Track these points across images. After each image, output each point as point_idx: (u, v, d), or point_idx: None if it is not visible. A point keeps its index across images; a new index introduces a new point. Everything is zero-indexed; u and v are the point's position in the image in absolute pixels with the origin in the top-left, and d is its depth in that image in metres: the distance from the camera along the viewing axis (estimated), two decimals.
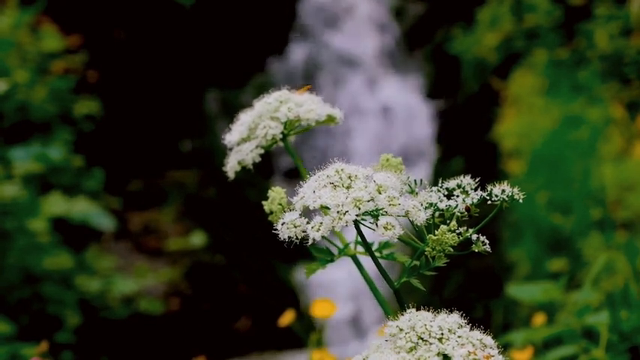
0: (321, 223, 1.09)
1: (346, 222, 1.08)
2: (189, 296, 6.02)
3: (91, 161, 6.02)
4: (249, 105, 1.45)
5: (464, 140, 7.19)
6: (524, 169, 5.80)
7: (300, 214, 1.12)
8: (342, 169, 1.13)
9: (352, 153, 7.48)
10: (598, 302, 2.36)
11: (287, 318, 2.33)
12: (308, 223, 1.11)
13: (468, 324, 1.12)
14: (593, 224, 4.91)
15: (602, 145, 5.47)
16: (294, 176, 7.20)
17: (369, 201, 1.09)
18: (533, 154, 5.79)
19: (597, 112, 5.76)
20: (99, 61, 7.03)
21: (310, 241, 1.10)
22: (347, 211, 1.09)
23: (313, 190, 1.12)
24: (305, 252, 1.27)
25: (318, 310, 2.28)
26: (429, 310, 1.12)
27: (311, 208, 1.10)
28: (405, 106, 7.81)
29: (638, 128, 5.55)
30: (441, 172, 6.42)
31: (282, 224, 1.12)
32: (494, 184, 1.19)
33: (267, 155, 1.44)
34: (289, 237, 1.11)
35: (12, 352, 3.34)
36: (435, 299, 5.87)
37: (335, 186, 1.12)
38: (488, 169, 6.28)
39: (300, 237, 1.11)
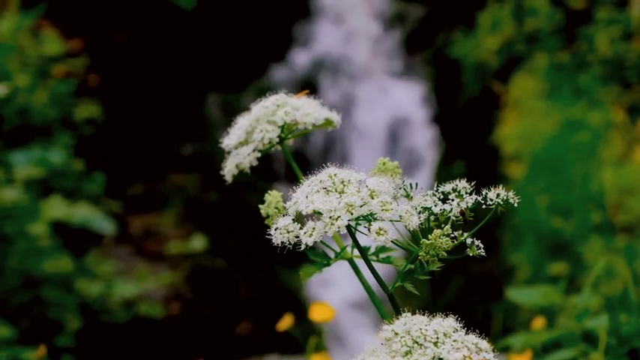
0: (314, 228, 1.10)
1: (339, 227, 1.08)
2: (189, 300, 6.02)
3: (92, 165, 6.03)
4: (249, 109, 1.45)
5: (465, 144, 7.19)
6: (525, 172, 5.80)
7: (293, 219, 1.12)
8: (335, 174, 1.13)
9: (352, 156, 7.48)
10: (598, 306, 2.36)
11: (285, 322, 2.33)
12: (301, 228, 1.11)
13: (465, 328, 1.12)
14: (593, 228, 4.92)
15: (602, 149, 5.48)
16: (296, 180, 7.19)
17: (361, 206, 1.09)
18: (534, 158, 5.79)
19: (598, 116, 5.76)
20: (100, 65, 7.03)
21: (303, 247, 1.10)
22: (339, 217, 1.09)
23: (306, 195, 1.12)
24: (306, 255, 1.28)
25: (317, 313, 2.27)
26: (425, 314, 1.12)
27: (304, 213, 1.11)
28: (406, 110, 7.81)
29: (639, 132, 5.55)
30: (442, 176, 6.42)
31: (276, 229, 1.12)
32: (490, 188, 1.19)
33: (269, 158, 1.45)
34: (282, 242, 1.11)
35: (12, 356, 3.35)
36: (435, 303, 5.87)
37: (328, 191, 1.12)
38: (489, 173, 6.28)
39: (293, 242, 1.11)
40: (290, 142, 1.46)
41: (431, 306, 5.70)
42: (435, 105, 7.82)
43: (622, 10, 6.43)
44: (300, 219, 1.12)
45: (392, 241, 1.10)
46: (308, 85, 7.58)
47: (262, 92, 1.54)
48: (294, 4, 8.36)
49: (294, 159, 1.43)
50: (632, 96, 5.98)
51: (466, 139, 7.22)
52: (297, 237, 1.11)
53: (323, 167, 1.16)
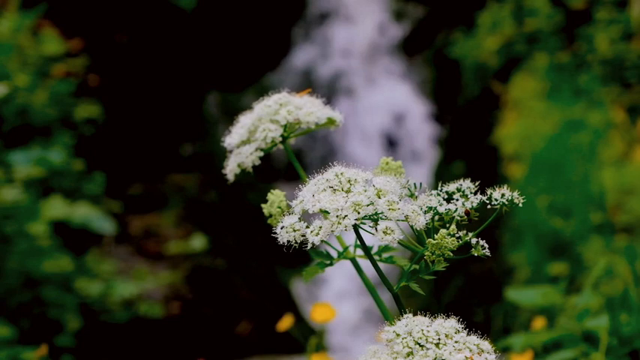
0: (320, 227, 1.09)
1: (345, 226, 1.08)
2: (189, 300, 6.02)
3: (92, 165, 6.02)
4: (250, 108, 1.45)
5: (465, 144, 7.19)
6: (525, 173, 5.80)
7: (299, 218, 1.12)
8: (341, 173, 1.13)
9: (352, 156, 7.48)
10: (598, 306, 2.36)
11: (285, 323, 2.33)
12: (307, 227, 1.10)
13: (466, 329, 1.12)
14: (593, 228, 4.91)
15: (602, 149, 5.47)
16: (296, 179, 7.18)
17: (368, 205, 1.09)
18: (534, 158, 5.78)
19: (598, 116, 5.76)
20: (100, 65, 7.03)
21: (309, 246, 1.09)
22: (346, 216, 1.08)
23: (312, 193, 1.12)
24: (306, 256, 1.27)
25: (318, 314, 2.27)
26: (427, 315, 1.12)
27: (310, 212, 1.10)
28: (406, 109, 7.81)
29: (639, 132, 5.55)
30: (441, 176, 6.42)
31: (282, 228, 1.12)
32: (494, 188, 1.18)
33: (268, 157, 1.45)
34: (288, 241, 1.11)
35: (12, 355, 3.35)
36: (435, 303, 5.87)
37: (334, 190, 1.11)
38: (488, 173, 6.28)
39: (299, 241, 1.11)
40: (292, 141, 1.45)
41: (434, 306, 5.70)
42: (435, 105, 7.82)
43: (622, 10, 6.42)
44: (305, 218, 1.12)
45: (398, 241, 1.10)
46: (307, 85, 7.58)
47: (262, 91, 1.54)
48: (294, 5, 8.35)
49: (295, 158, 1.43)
50: (632, 96, 5.98)
51: (466, 139, 7.22)
52: (304, 236, 1.10)
53: (322, 167, 1.16)
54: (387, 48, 8.29)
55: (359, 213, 1.09)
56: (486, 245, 1.14)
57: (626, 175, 5.08)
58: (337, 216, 1.08)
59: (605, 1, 6.52)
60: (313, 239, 1.09)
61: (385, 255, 1.28)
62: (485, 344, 1.10)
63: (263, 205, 1.33)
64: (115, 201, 6.27)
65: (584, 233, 4.92)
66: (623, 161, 5.33)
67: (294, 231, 1.11)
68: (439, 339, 1.09)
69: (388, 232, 1.09)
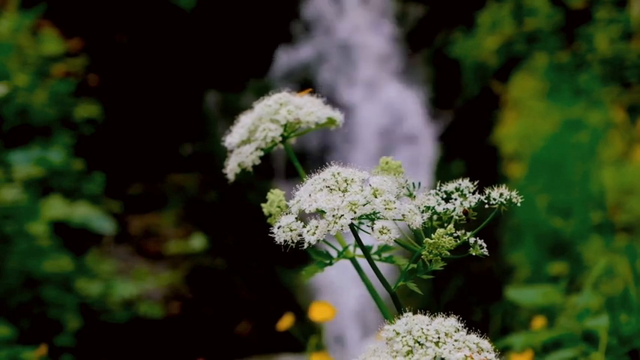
0: (317, 226, 1.09)
1: (342, 226, 1.08)
2: (189, 300, 6.02)
3: (92, 165, 6.02)
4: (249, 108, 1.45)
5: (464, 144, 7.19)
6: (525, 172, 5.80)
7: (296, 218, 1.12)
8: (338, 173, 1.13)
9: (351, 156, 7.48)
10: (598, 306, 2.36)
11: (285, 322, 2.33)
12: (304, 226, 1.10)
13: (466, 327, 1.12)
14: (593, 228, 4.91)
15: (602, 148, 5.47)
16: (295, 178, 7.18)
17: (364, 205, 1.09)
18: (534, 158, 5.78)
19: (598, 116, 5.76)
20: (99, 65, 7.03)
21: (306, 245, 1.10)
22: (342, 215, 1.08)
23: (309, 193, 1.12)
24: (306, 255, 1.27)
25: (317, 313, 2.27)
26: (426, 314, 1.12)
27: (307, 211, 1.10)
28: (406, 109, 7.81)
29: (639, 132, 5.55)
30: (441, 176, 6.42)
31: (279, 227, 1.12)
32: (493, 188, 1.18)
33: (268, 156, 1.45)
34: (285, 240, 1.11)
35: (12, 355, 3.35)
36: (434, 302, 5.87)
37: (331, 189, 1.11)
38: (488, 173, 6.28)
39: (296, 240, 1.11)
40: (292, 140, 1.45)
41: (433, 305, 5.70)
42: (435, 104, 7.82)
43: (622, 10, 6.43)
44: (303, 217, 1.12)
45: (395, 241, 1.10)
46: (307, 84, 7.57)
47: (262, 91, 1.54)
48: (292, 5, 8.35)
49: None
50: (632, 96, 5.98)
51: (466, 139, 7.22)
52: (300, 235, 1.10)
53: (322, 166, 1.16)
54: (386, 47, 8.29)
55: (355, 212, 1.09)
56: (484, 245, 1.14)
57: (626, 175, 5.08)
58: (334, 215, 1.08)
59: (605, 1, 6.52)
60: (310, 239, 1.09)
61: (384, 254, 1.28)
62: (485, 343, 1.11)
63: (263, 205, 1.33)
64: (114, 201, 6.27)
65: (584, 233, 4.92)
66: (623, 161, 5.33)
67: (291, 231, 1.11)
68: (439, 337, 1.09)
69: (384, 231, 1.09)
